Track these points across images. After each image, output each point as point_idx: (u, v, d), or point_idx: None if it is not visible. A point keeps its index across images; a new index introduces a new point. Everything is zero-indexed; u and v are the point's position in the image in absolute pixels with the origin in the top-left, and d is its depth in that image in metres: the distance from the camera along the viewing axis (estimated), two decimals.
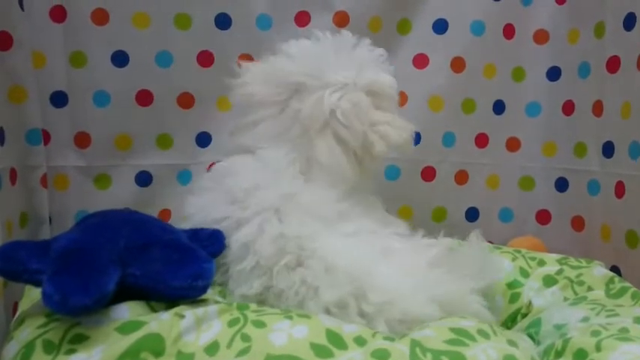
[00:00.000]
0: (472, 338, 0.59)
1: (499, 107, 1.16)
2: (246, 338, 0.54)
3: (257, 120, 0.79)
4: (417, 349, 0.56)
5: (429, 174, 1.15)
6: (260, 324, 0.56)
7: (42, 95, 0.97)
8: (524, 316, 0.81)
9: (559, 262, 0.88)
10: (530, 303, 0.82)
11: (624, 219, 0.98)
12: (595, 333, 0.62)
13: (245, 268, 0.68)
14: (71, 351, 0.52)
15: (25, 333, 0.55)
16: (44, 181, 0.97)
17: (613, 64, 1.00)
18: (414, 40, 1.11)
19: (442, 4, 1.10)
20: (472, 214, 1.18)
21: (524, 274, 0.87)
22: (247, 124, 0.80)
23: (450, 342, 0.58)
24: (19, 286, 0.71)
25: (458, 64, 1.11)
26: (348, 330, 0.58)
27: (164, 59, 1.03)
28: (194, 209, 0.76)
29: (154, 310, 0.58)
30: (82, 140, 1.01)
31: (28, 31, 0.93)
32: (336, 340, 0.56)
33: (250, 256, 0.68)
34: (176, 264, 0.59)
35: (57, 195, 1.00)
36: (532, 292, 0.83)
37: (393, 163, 1.12)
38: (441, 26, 1.11)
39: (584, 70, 1.08)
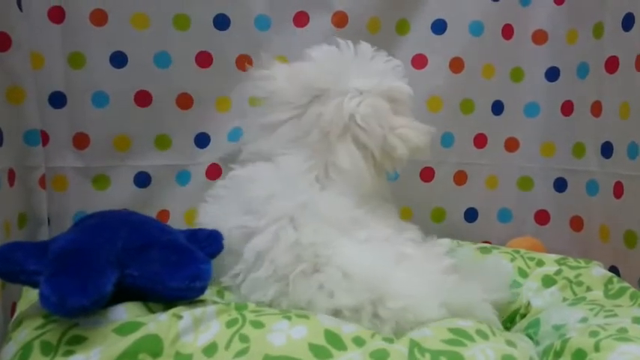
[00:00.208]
0: (470, 338, 0.59)
1: (498, 108, 1.16)
2: (244, 339, 0.54)
3: (276, 122, 0.79)
4: (416, 350, 0.56)
5: (427, 174, 1.15)
6: (258, 324, 0.56)
7: (40, 96, 0.96)
8: (523, 316, 0.81)
9: (558, 262, 0.88)
10: (529, 303, 0.82)
11: (623, 219, 0.98)
12: (594, 333, 0.62)
13: (260, 277, 0.68)
14: (69, 352, 0.52)
15: (23, 334, 0.55)
16: (43, 181, 0.97)
17: (612, 65, 1.00)
18: (413, 41, 1.11)
19: (441, 5, 1.10)
20: (471, 215, 1.17)
21: (523, 274, 0.87)
22: (266, 126, 0.80)
23: (449, 342, 0.58)
24: (17, 286, 0.71)
25: (456, 65, 1.11)
26: (347, 330, 0.58)
27: (163, 60, 1.03)
28: (208, 218, 0.76)
29: (151, 311, 0.58)
30: (80, 141, 1.01)
31: (27, 31, 0.92)
32: (334, 340, 0.56)
33: (266, 265, 0.68)
34: (174, 265, 0.59)
35: (55, 196, 0.99)
36: (531, 292, 0.84)
37: None
38: (439, 27, 1.10)
39: (582, 71, 1.08)
